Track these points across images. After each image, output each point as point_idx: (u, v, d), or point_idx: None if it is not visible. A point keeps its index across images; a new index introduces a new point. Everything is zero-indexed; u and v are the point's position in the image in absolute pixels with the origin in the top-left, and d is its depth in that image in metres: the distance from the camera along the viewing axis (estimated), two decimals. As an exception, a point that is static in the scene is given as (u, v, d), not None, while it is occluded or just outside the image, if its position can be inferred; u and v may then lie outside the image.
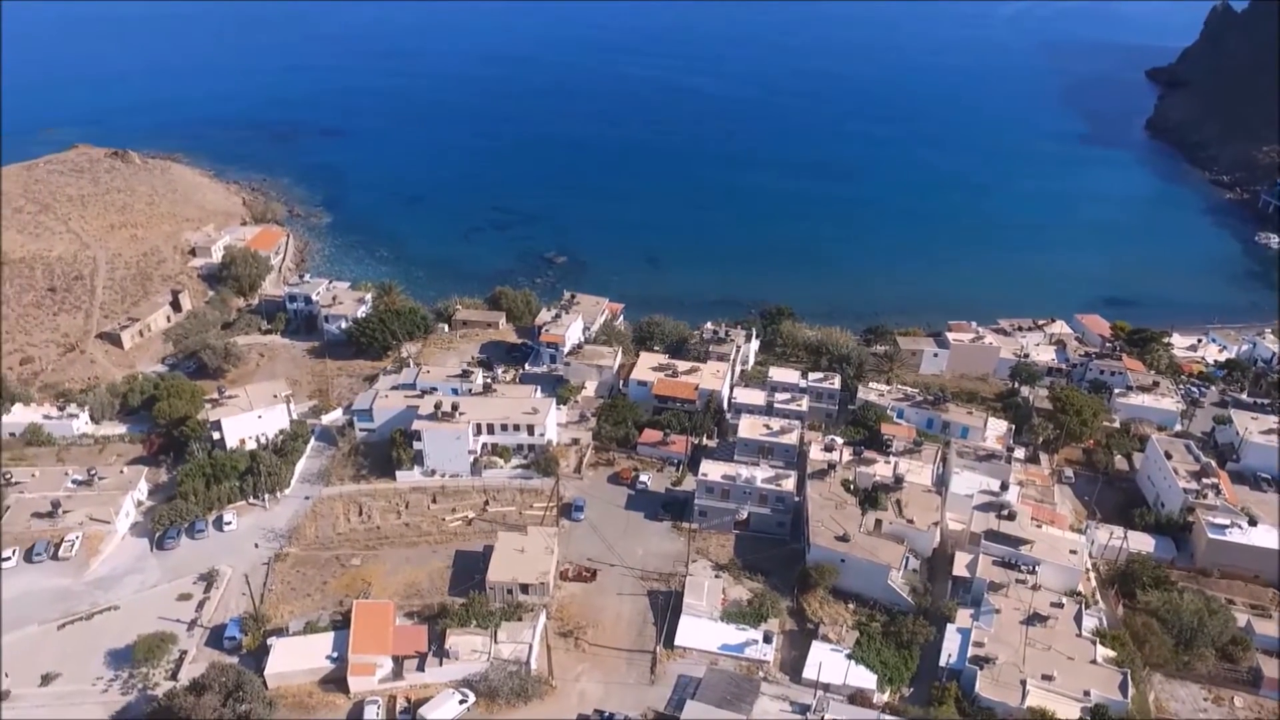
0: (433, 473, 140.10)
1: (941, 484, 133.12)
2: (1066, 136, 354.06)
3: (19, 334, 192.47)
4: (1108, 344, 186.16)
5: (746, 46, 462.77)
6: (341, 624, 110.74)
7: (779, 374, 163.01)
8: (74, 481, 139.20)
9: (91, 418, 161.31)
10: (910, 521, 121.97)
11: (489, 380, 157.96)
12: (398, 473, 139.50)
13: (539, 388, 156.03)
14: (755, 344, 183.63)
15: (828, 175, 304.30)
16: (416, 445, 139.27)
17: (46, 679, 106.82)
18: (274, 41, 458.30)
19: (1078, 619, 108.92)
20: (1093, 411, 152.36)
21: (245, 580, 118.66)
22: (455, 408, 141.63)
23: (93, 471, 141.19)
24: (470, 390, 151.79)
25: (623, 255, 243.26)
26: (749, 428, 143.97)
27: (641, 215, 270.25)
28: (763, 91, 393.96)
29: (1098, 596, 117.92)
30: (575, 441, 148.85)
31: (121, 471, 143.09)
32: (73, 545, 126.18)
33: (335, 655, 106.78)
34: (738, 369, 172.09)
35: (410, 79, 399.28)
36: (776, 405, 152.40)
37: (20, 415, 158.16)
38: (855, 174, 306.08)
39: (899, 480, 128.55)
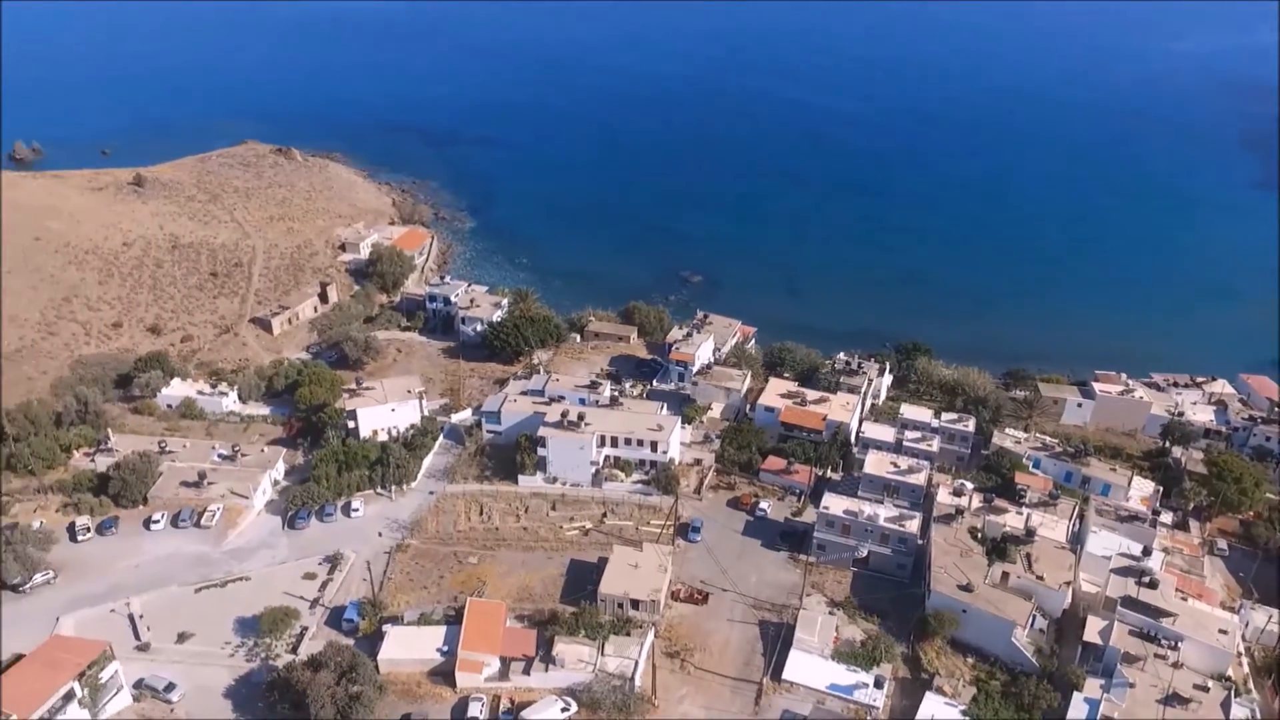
0: (554, 480, 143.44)
1: (1077, 542, 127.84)
2: (1246, 184, 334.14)
3: (182, 314, 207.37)
4: (1276, 409, 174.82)
5: (898, 75, 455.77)
6: (454, 619, 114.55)
7: (911, 411, 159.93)
8: (219, 456, 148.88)
9: (239, 397, 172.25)
10: (1040, 578, 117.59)
11: (616, 393, 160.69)
12: (520, 477, 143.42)
13: (665, 405, 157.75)
14: (888, 379, 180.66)
15: (981, 212, 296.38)
16: (541, 452, 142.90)
17: (182, 637, 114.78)
18: (436, 50, 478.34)
19: (1225, 706, 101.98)
20: (1254, 481, 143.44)
21: (367, 567, 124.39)
22: (581, 418, 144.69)
23: (237, 448, 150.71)
24: (597, 402, 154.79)
25: (759, 279, 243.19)
26: (875, 464, 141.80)
27: (781, 240, 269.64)
28: (911, 120, 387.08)
29: (1250, 685, 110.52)
30: (697, 462, 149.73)
31: (262, 450, 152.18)
32: (214, 515, 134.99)
33: (445, 649, 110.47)
34: (868, 403, 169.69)
35: (562, 92, 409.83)
36: (906, 443, 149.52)
37: (178, 389, 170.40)
38: (1011, 213, 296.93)
39: (1031, 533, 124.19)
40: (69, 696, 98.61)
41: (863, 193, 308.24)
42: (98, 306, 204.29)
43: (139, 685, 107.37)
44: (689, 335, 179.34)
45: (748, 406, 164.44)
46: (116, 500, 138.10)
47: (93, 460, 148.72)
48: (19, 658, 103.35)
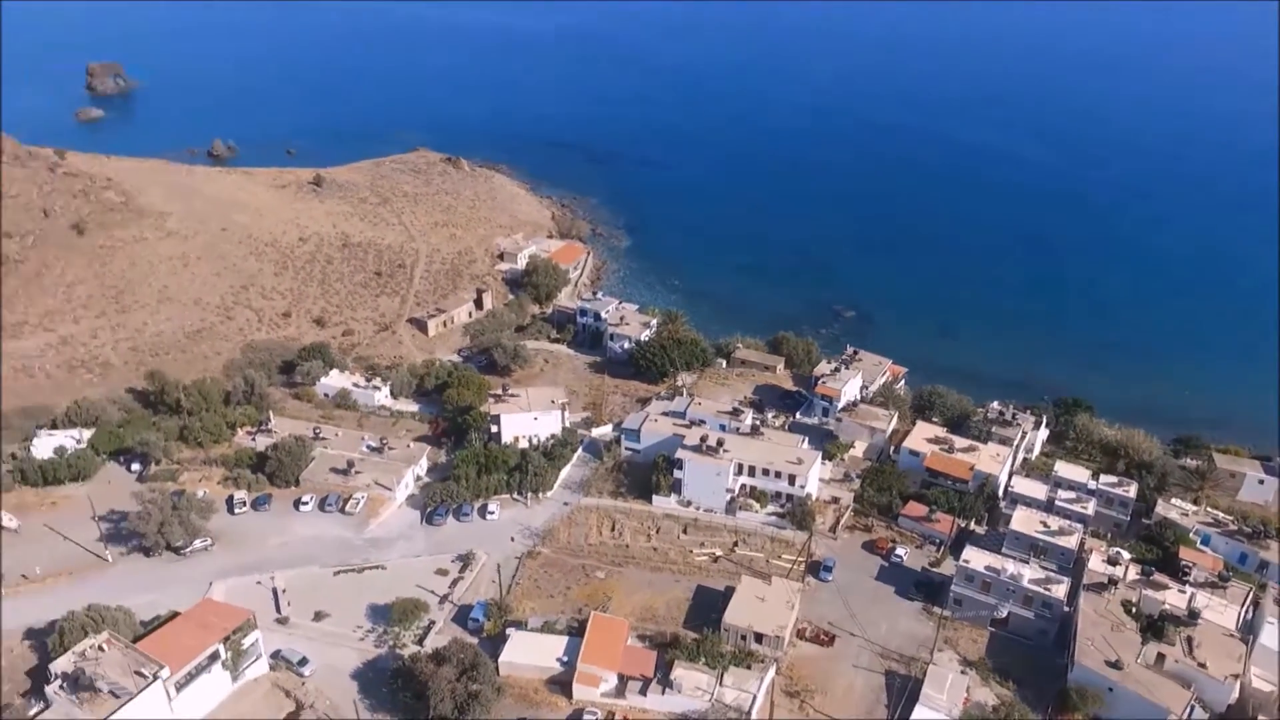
0: (688, 503, 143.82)
1: (1249, 631, 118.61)
2: None
3: (346, 309, 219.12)
4: None
5: (1068, 115, 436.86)
6: (576, 631, 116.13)
7: (1066, 470, 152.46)
8: (368, 447, 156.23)
9: (391, 393, 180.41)
10: (1202, 666, 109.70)
11: (758, 422, 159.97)
12: (654, 497, 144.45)
13: (807, 439, 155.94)
14: (1044, 433, 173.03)
15: (1158, 262, 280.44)
16: (677, 474, 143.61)
17: (318, 616, 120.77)
18: (604, 71, 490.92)
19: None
20: None
21: (497, 569, 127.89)
22: (720, 444, 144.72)
23: (384, 441, 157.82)
24: (738, 429, 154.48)
25: (913, 318, 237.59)
26: (1023, 521, 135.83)
27: (938, 280, 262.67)
28: (1083, 164, 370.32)
29: None
30: (835, 500, 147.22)
31: (408, 446, 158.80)
32: (358, 504, 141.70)
33: (565, 660, 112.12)
34: (1020, 456, 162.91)
35: (725, 121, 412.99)
36: (1058, 503, 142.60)
37: (335, 380, 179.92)
38: (1196, 265, 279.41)
39: (1194, 615, 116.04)
40: (214, 657, 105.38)
41: (1028, 237, 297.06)
42: (271, 296, 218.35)
43: (276, 655, 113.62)
44: (837, 370, 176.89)
45: (892, 448, 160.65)
46: (272, 479, 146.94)
47: (254, 439, 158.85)
48: (174, 615, 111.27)
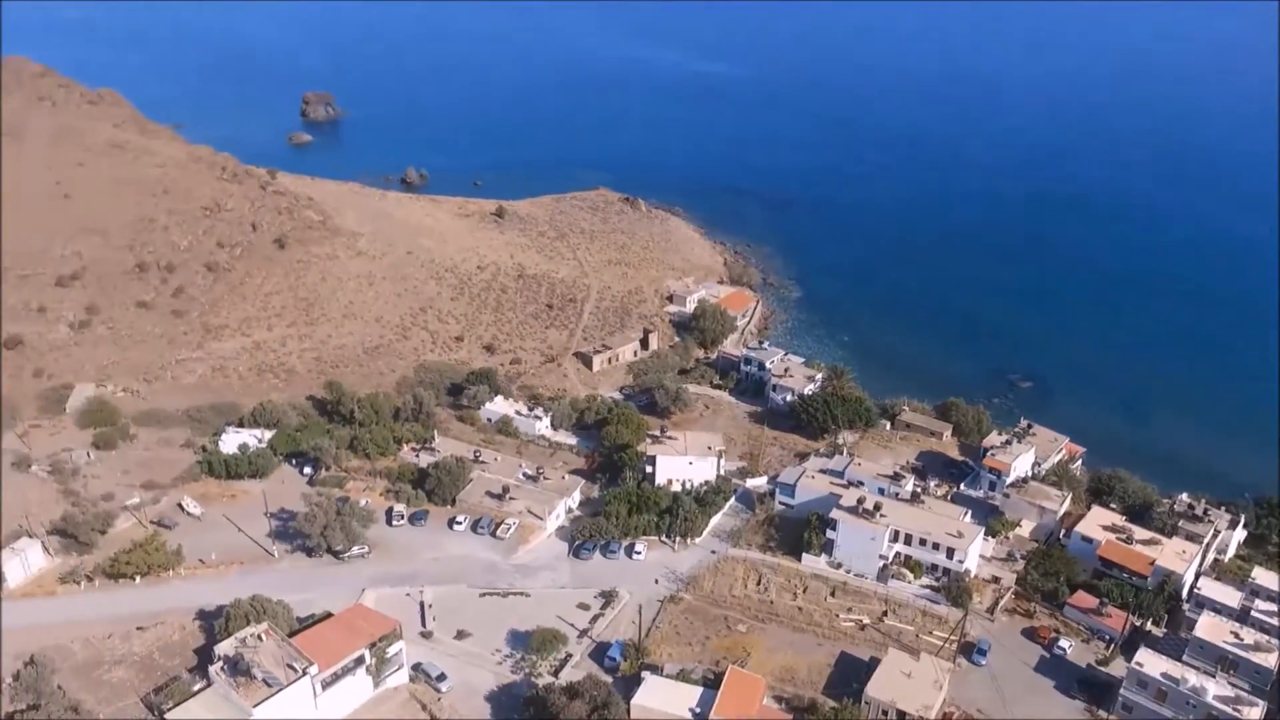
0: (839, 566, 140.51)
1: None
2: None
3: (515, 338, 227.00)
4: None
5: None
6: (712, 683, 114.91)
7: (1266, 578, 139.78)
8: (524, 475, 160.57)
9: (552, 424, 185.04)
10: None
11: (919, 490, 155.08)
12: (804, 555, 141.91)
13: (970, 512, 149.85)
14: (1240, 534, 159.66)
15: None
16: (830, 534, 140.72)
17: (460, 634, 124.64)
18: (782, 119, 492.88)
19: None
20: None
21: (638, 610, 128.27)
22: (878, 507, 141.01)
23: (540, 470, 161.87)
24: (897, 494, 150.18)
25: (1097, 394, 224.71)
26: (1211, 629, 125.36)
27: (1132, 353, 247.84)
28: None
29: None
30: (995, 580, 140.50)
31: (563, 478, 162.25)
32: (510, 529, 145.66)
33: (698, 711, 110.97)
34: (1210, 556, 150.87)
35: (907, 175, 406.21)
36: (1255, 613, 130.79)
37: (499, 406, 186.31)
38: None
39: None
40: (359, 661, 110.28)
41: (1230, 306, 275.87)
42: (446, 320, 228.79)
43: (416, 668, 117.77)
44: (1008, 443, 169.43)
45: (1062, 532, 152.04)
46: (430, 496, 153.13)
47: (417, 456, 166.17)
48: (327, 615, 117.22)
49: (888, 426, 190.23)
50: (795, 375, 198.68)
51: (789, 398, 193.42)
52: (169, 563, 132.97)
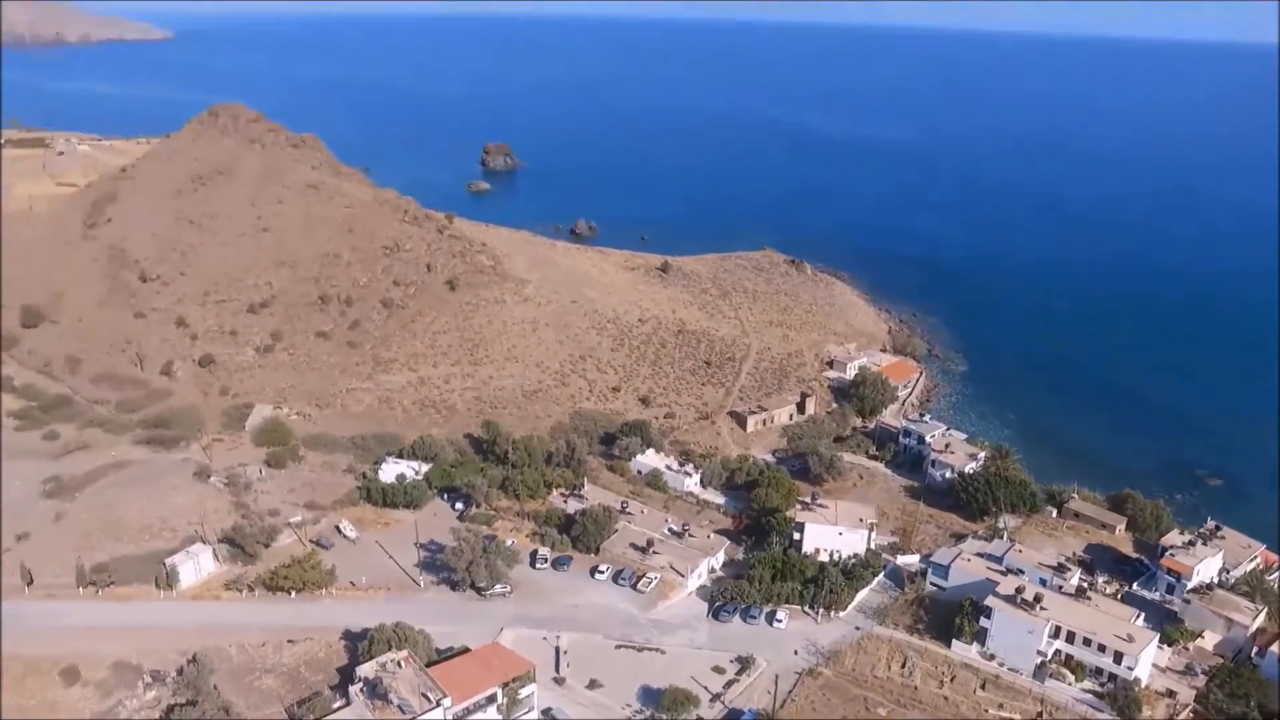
0: (991, 657, 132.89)
1: None
2: None
3: (671, 392, 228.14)
4: None
5: None
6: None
7: None
8: (669, 530, 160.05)
9: (701, 481, 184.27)
10: None
11: (1086, 584, 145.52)
12: (954, 642, 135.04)
13: (1142, 615, 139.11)
14: None
15: None
16: (983, 622, 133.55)
17: (592, 684, 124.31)
18: (950, 188, 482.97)
19: None
20: None
21: (774, 680, 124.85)
22: (1038, 599, 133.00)
23: (686, 527, 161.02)
24: (1060, 587, 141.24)
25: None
26: None
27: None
28: None
29: None
30: (1170, 694, 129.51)
31: (708, 536, 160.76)
32: (651, 583, 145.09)
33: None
34: None
35: (1102, 243, 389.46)
36: None
37: (650, 459, 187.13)
38: None
39: None
40: (491, 699, 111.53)
41: None
42: (605, 370, 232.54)
43: (546, 712, 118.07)
44: (1191, 544, 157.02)
45: (1255, 650, 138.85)
46: (575, 543, 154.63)
47: (566, 501, 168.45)
48: (465, 650, 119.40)
49: (1054, 514, 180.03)
50: (956, 452, 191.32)
51: (948, 474, 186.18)
52: (323, 581, 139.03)
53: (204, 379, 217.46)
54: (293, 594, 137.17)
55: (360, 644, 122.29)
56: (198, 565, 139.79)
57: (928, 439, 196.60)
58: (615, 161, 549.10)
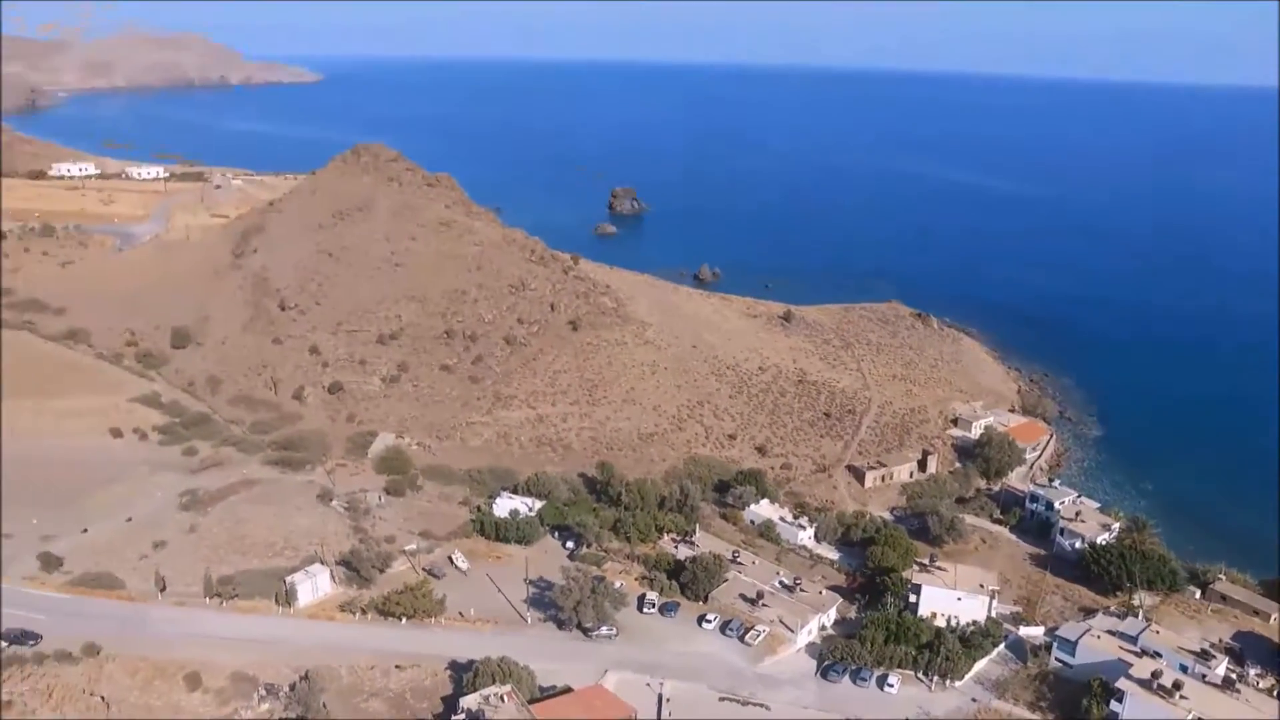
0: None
1: None
2: None
3: (788, 443, 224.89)
4: None
5: None
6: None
7: None
8: (780, 583, 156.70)
9: (815, 535, 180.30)
10: None
11: (1233, 675, 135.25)
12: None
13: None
14: None
15: None
16: (1114, 706, 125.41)
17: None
18: (1101, 248, 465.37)
19: None
20: None
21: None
22: (1178, 686, 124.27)
23: (798, 581, 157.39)
24: (1204, 676, 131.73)
25: None
26: None
27: None
28: None
29: None
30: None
31: (820, 592, 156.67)
32: (758, 636, 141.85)
33: None
34: None
35: (1247, 303, 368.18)
36: None
37: (764, 509, 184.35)
38: None
39: None
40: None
41: None
42: (722, 416, 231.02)
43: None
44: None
45: None
46: (683, 589, 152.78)
47: (676, 547, 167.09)
48: (567, 689, 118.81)
49: (1197, 595, 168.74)
50: (1088, 521, 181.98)
51: (1078, 544, 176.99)
52: (433, 610, 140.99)
53: (332, 405, 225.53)
54: (403, 620, 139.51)
55: (465, 675, 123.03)
56: (315, 585, 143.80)
57: (1057, 505, 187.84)
58: (742, 208, 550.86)
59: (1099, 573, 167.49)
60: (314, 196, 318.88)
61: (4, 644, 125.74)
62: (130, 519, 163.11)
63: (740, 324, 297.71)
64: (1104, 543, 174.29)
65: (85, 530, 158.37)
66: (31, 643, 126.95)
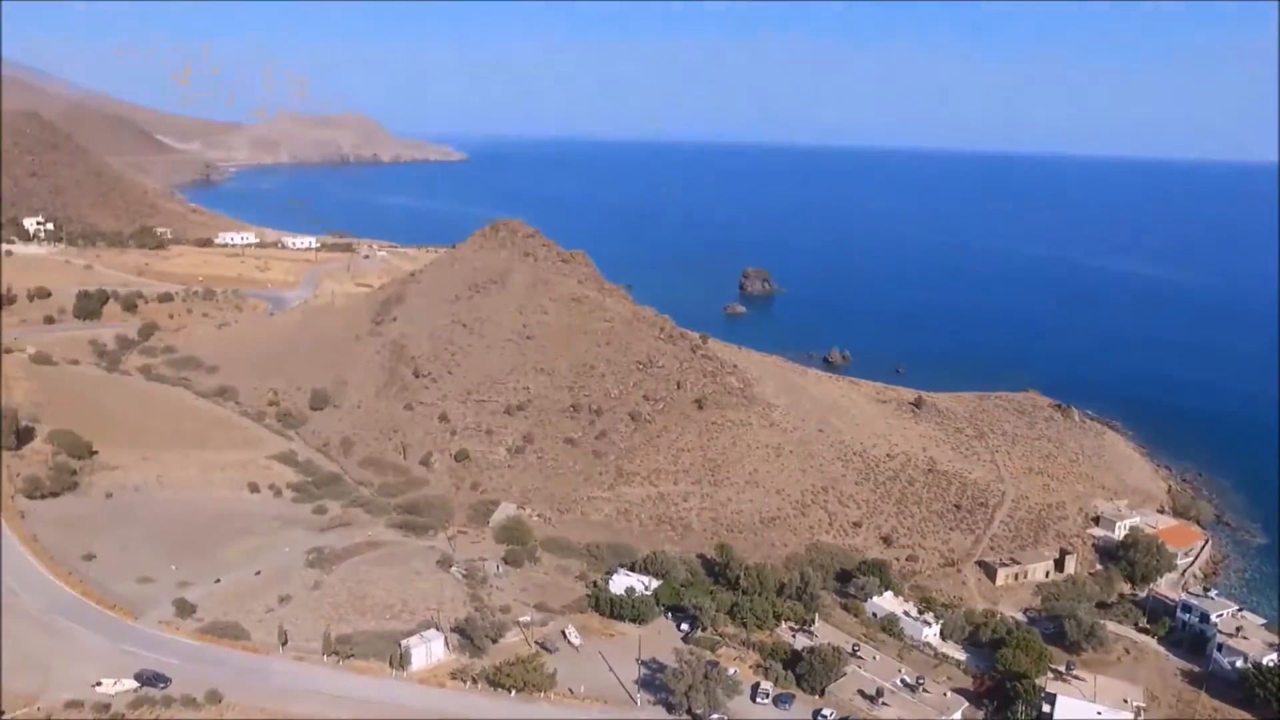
0: None
1: None
2: None
3: (915, 534, 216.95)
4: None
5: None
6: None
7: None
8: (902, 681, 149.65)
9: (941, 633, 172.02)
10: None
11: None
12: None
13: None
14: None
15: None
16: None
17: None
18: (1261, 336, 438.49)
19: None
20: None
21: None
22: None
23: (921, 681, 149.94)
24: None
25: None
26: None
27: None
28: None
29: None
30: None
31: (945, 694, 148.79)
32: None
33: None
34: None
35: None
36: None
37: (887, 602, 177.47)
38: None
39: None
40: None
41: None
42: (847, 503, 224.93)
43: None
44: None
45: None
46: (799, 681, 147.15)
47: (794, 636, 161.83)
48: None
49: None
50: (1251, 637, 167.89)
51: (1239, 663, 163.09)
52: (544, 684, 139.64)
53: (458, 472, 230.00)
54: (513, 692, 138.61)
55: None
56: (429, 650, 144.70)
57: (1213, 618, 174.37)
58: (875, 292, 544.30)
59: (1265, 698, 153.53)
60: (452, 268, 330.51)
61: (137, 685, 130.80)
62: (259, 572, 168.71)
63: (869, 409, 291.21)
64: (1271, 664, 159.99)
65: (218, 580, 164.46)
66: (161, 685, 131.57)
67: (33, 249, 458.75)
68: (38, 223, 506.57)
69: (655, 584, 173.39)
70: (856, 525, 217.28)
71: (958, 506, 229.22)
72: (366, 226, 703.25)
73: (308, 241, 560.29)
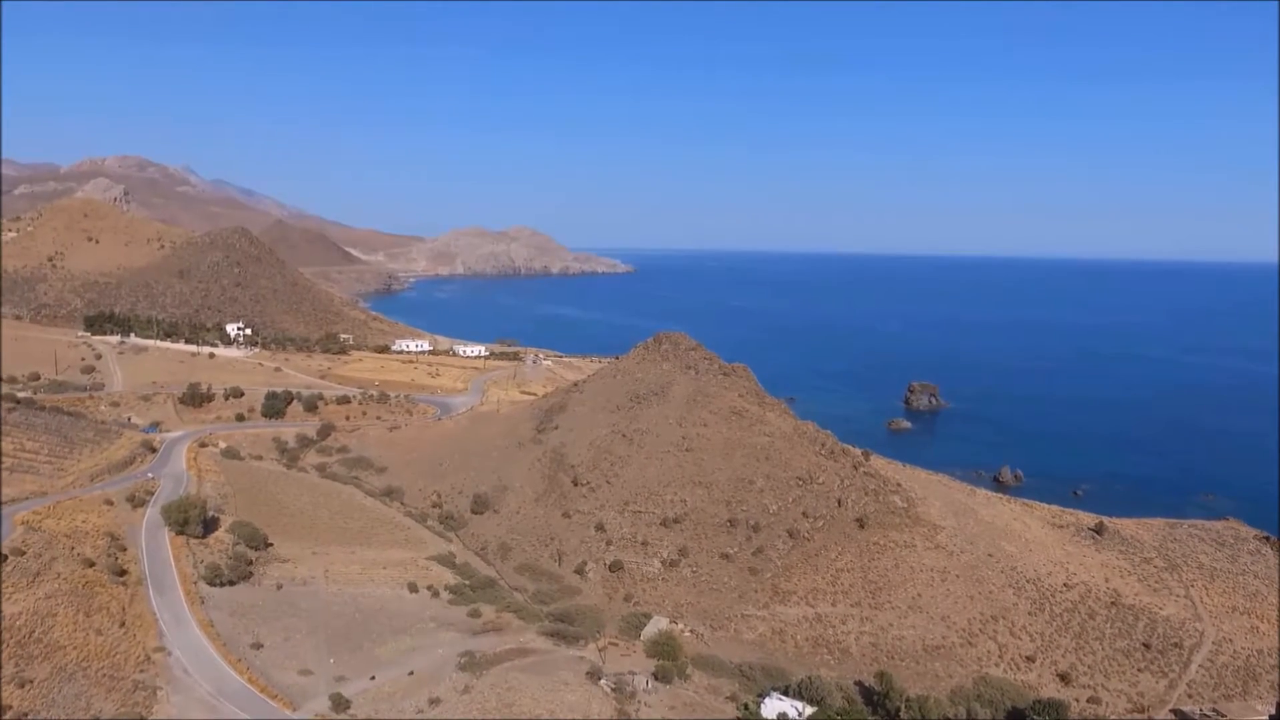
0: None
1: None
2: None
3: (1097, 673, 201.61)
4: None
5: None
6: None
7: None
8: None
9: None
10: None
11: None
12: None
13: None
14: None
15: None
16: None
17: None
18: None
19: None
20: None
21: None
22: None
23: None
24: None
25: None
26: None
27: None
28: None
29: None
30: None
31: None
32: None
33: None
34: None
35: None
36: None
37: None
38: None
39: None
40: None
41: None
42: (1019, 635, 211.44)
43: None
44: None
45: None
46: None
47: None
48: None
49: None
50: None
51: None
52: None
53: (611, 583, 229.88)
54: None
55: None
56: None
57: None
58: (1051, 409, 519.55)
59: None
60: (615, 379, 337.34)
61: None
62: (412, 672, 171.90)
63: (1043, 534, 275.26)
64: None
65: (373, 677, 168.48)
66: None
67: (232, 352, 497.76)
68: (238, 328, 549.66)
69: (809, 710, 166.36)
70: (1030, 659, 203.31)
71: (1147, 645, 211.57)
72: (533, 335, 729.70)
73: (477, 349, 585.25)
